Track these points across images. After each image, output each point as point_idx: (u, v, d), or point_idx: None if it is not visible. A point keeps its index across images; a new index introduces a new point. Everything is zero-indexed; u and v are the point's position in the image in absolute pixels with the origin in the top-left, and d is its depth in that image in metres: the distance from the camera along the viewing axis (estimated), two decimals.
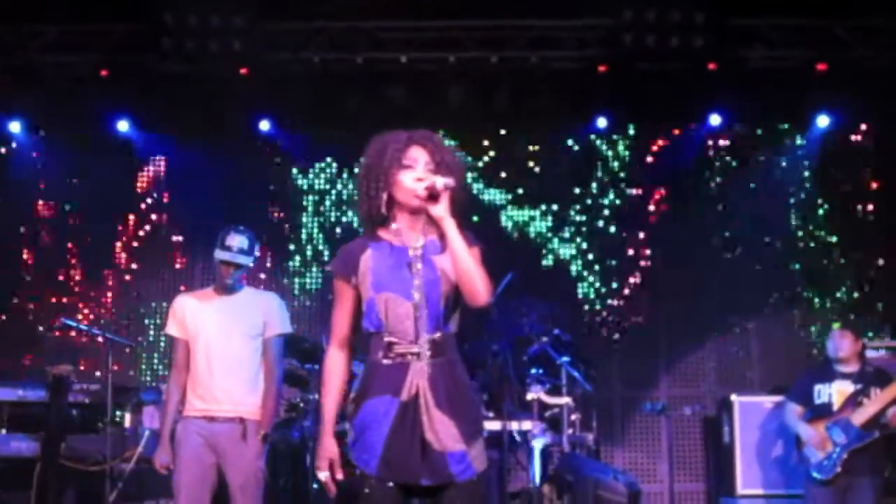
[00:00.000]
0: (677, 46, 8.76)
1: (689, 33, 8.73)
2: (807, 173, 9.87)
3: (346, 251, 3.98)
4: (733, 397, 8.70)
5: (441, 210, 3.82)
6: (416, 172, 3.84)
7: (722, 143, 9.81)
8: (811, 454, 7.30)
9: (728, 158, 9.86)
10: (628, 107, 9.44)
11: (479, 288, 3.81)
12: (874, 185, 9.87)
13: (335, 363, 3.96)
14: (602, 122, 9.63)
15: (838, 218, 9.86)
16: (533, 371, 8.15)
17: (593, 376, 8.59)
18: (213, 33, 8.85)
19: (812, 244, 9.83)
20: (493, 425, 7.84)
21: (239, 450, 5.82)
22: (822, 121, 9.60)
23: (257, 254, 6.14)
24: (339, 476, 3.82)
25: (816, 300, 9.76)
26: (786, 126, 9.77)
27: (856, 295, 9.68)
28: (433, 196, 3.81)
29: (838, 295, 9.73)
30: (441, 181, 3.79)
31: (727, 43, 9.02)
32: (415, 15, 9.22)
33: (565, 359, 8.18)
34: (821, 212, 9.87)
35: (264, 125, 9.81)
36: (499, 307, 8.28)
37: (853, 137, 9.85)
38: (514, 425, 7.88)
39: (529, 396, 8.02)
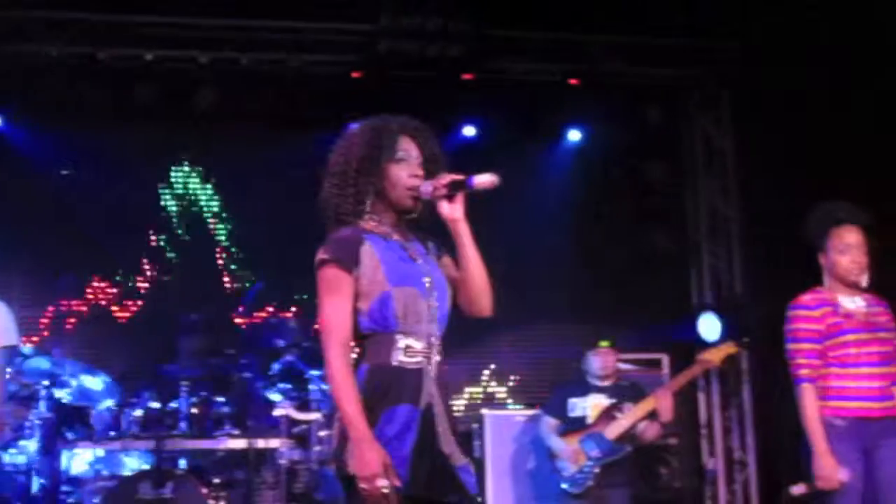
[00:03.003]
0: (435, 55, 8.66)
1: (448, 42, 8.63)
2: (558, 186, 9.89)
3: (342, 239, 3.58)
4: (484, 411, 8.66)
5: (458, 211, 3.61)
6: (410, 168, 3.63)
7: (475, 154, 9.72)
8: (564, 467, 7.32)
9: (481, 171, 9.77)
10: (384, 114, 9.22)
11: (489, 298, 3.67)
12: (622, 200, 10.04)
13: (348, 365, 3.47)
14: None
15: (590, 232, 9.95)
16: (281, 385, 7.89)
17: None
18: None
19: (565, 258, 9.89)
20: (237, 443, 7.62)
21: None
22: (574, 135, 9.70)
23: None
24: (397, 483, 3.36)
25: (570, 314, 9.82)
26: (539, 139, 9.75)
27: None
28: (451, 196, 3.57)
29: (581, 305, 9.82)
30: (487, 178, 3.57)
31: (485, 53, 8.98)
32: (164, 11, 8.77)
33: (315, 372, 7.95)
34: (573, 225, 9.91)
35: None
36: (246, 319, 8.03)
37: (604, 151, 9.94)
38: (260, 443, 7.67)
39: (277, 412, 7.77)
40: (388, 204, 3.66)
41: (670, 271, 10.03)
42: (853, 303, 5.24)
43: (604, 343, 7.46)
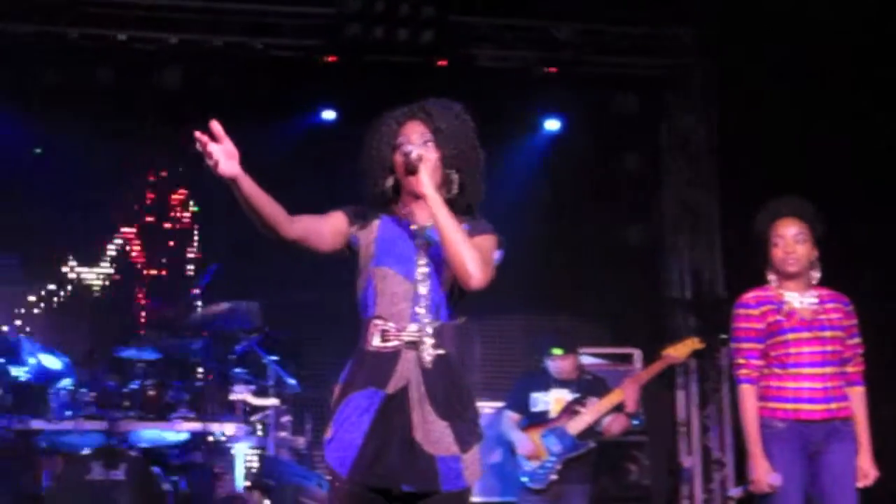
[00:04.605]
0: (405, 40, 8.55)
1: (418, 27, 8.53)
2: (533, 177, 9.66)
3: (362, 208, 3.62)
4: None
5: (421, 186, 3.48)
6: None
7: None
8: (525, 462, 7.21)
9: None
10: (355, 99, 9.11)
11: (468, 268, 3.40)
12: (598, 191, 9.82)
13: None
14: (329, 115, 9.28)
15: (565, 224, 9.78)
16: (238, 370, 7.84)
17: (305, 377, 8.30)
18: None
19: (537, 250, 9.73)
20: (193, 427, 7.62)
21: None
22: (551, 124, 9.57)
23: None
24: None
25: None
26: (513, 128, 9.55)
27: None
28: (410, 170, 3.47)
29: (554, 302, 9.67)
30: (414, 151, 3.47)
31: (456, 40, 8.86)
32: None
33: (273, 358, 7.89)
34: (547, 217, 9.71)
35: None
36: (203, 302, 7.99)
37: (579, 142, 9.72)
38: (215, 427, 7.65)
39: (233, 397, 7.74)
40: (406, 191, 3.61)
41: (646, 265, 9.86)
42: (801, 300, 5.06)
43: (556, 351, 7.30)
